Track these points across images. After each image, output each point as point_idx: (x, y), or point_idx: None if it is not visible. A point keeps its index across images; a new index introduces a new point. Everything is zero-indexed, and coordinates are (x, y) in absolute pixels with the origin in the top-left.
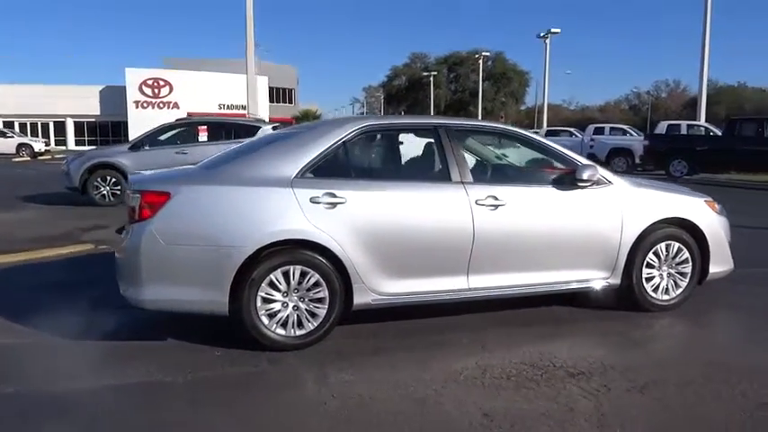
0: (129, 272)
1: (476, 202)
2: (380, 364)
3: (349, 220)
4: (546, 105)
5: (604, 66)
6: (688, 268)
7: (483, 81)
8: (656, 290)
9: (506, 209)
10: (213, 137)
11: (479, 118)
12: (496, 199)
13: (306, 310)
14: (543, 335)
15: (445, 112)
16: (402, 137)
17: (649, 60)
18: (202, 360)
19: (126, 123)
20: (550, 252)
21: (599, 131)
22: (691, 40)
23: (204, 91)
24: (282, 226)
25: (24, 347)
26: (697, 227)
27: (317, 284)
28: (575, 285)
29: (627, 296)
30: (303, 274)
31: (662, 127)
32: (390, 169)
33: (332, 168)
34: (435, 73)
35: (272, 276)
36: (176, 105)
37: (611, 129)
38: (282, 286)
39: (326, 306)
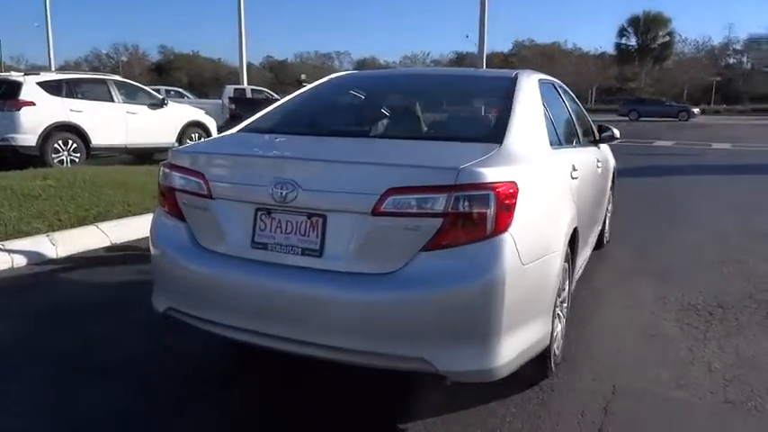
0: (468, 327)
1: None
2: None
3: (577, 196)
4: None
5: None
6: (611, 207)
7: None
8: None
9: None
10: None
11: None
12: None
13: (564, 320)
14: (617, 284)
15: None
16: None
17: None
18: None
19: None
20: (600, 211)
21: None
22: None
23: None
24: (573, 210)
25: None
26: (614, 173)
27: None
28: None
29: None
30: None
31: (229, 90)
32: (561, 132)
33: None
34: None
35: None
36: None
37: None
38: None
39: (566, 308)
